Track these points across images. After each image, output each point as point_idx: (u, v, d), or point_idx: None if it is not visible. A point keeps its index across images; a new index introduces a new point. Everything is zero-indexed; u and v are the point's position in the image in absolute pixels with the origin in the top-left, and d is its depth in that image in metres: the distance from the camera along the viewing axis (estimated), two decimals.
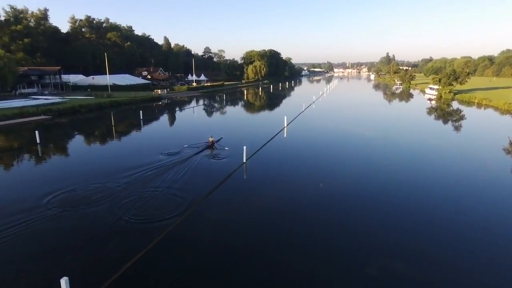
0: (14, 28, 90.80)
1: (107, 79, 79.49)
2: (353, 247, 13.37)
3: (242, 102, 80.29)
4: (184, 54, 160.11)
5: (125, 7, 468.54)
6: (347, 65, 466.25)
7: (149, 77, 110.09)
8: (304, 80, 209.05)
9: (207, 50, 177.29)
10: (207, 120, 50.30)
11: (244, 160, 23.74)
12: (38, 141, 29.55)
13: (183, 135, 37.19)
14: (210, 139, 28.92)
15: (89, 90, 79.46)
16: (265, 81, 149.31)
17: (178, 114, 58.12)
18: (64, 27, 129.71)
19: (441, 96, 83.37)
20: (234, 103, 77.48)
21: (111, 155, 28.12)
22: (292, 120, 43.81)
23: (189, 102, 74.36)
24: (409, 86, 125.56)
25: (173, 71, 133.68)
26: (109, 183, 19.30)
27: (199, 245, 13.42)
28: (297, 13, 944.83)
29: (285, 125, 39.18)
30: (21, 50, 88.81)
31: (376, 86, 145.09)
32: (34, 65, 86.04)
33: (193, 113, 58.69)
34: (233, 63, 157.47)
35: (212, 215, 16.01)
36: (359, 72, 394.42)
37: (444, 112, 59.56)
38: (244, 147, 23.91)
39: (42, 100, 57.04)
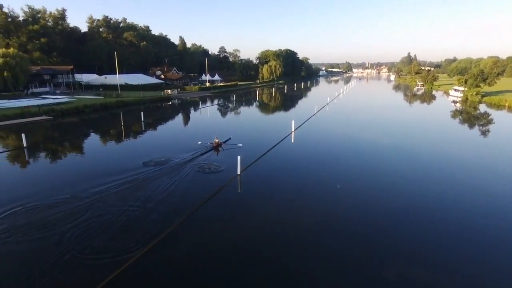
0: (31, 28, 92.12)
1: (118, 79, 78.87)
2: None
3: (253, 103, 77.34)
4: (200, 54, 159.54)
5: (146, 6, 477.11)
6: (367, 65, 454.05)
7: (163, 76, 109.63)
8: (322, 81, 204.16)
9: (222, 49, 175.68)
10: (212, 122, 47.84)
11: (238, 172, 20.86)
12: (24, 145, 27.70)
13: (184, 138, 35.09)
14: (216, 140, 27.77)
15: (101, 89, 79.26)
16: (280, 81, 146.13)
17: (184, 115, 55.93)
18: (83, 27, 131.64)
19: (467, 99, 77.54)
20: (245, 104, 74.88)
21: (97, 161, 25.72)
22: (302, 124, 40.72)
23: (199, 102, 72.38)
24: (431, 88, 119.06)
25: (188, 70, 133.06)
26: (82, 194, 17.18)
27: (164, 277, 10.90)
28: (316, 13, 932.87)
29: (293, 130, 36.17)
30: (38, 50, 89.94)
31: (396, 87, 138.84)
32: (50, 65, 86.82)
33: (200, 115, 56.54)
34: (248, 63, 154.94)
35: (190, 239, 13.50)
36: (379, 73, 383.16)
37: (470, 116, 54.63)
38: (238, 157, 20.92)
39: (50, 99, 56.61)
